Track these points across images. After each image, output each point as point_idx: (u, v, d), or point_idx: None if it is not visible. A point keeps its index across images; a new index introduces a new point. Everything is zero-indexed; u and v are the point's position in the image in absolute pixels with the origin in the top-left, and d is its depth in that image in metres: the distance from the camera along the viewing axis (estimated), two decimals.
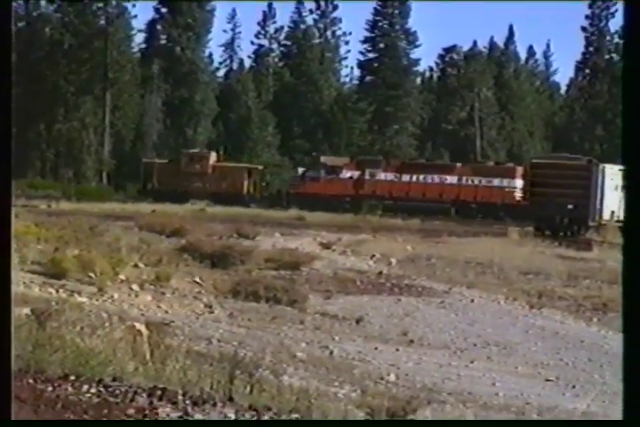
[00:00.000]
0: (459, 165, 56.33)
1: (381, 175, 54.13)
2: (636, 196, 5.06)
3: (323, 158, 57.01)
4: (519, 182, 53.30)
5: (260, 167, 58.83)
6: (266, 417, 6.49)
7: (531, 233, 40.54)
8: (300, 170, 57.32)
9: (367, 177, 54.02)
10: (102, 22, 72.06)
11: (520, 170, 55.03)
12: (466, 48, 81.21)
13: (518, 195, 52.96)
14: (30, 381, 6.50)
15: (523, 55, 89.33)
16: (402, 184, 53.48)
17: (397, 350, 16.91)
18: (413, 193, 53.06)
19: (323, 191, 52.97)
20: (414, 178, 53.62)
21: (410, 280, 25.25)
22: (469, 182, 53.40)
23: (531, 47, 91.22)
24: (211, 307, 18.83)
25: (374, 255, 29.78)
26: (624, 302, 5.08)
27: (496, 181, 53.18)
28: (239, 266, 24.18)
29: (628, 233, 5.16)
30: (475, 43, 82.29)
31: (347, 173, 54.41)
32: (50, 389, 6.33)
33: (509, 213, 50.67)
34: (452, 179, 53.56)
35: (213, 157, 57.59)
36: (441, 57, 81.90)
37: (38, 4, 75.87)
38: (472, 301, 22.85)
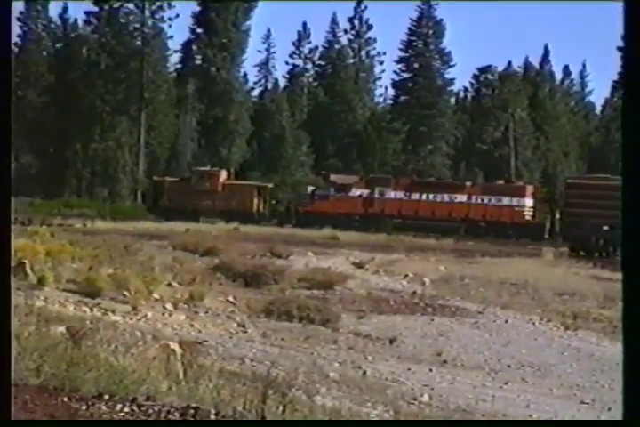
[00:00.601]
0: (468, 183, 56.35)
1: (391, 194, 54.20)
2: (634, 206, 5.04)
3: (332, 177, 57.15)
4: (529, 201, 53.32)
5: (270, 185, 58.86)
6: None
7: (565, 254, 40.30)
8: (310, 188, 57.48)
9: (376, 195, 54.10)
10: (138, 43, 72.69)
11: (530, 189, 55.02)
12: (500, 68, 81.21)
13: (528, 214, 52.97)
14: (65, 399, 6.53)
15: (558, 75, 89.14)
16: (411, 203, 53.53)
17: (431, 370, 16.83)
18: (422, 211, 53.07)
19: (332, 209, 53.00)
20: (423, 196, 53.68)
21: (443, 300, 25.15)
22: (479, 201, 53.37)
23: (566, 67, 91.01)
24: (244, 326, 18.84)
25: (407, 275, 29.71)
26: (624, 303, 5.06)
27: (505, 200, 53.14)
28: (272, 285, 24.21)
29: (626, 244, 5.15)
30: (509, 63, 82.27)
31: (356, 192, 54.51)
32: (84, 407, 6.36)
33: (518, 231, 50.62)
34: (461, 197, 53.58)
35: (224, 175, 57.68)
36: (475, 77, 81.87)
37: (76, 26, 76.73)
38: (506, 321, 22.72)
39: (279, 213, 56.94)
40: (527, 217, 53.00)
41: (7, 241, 5.18)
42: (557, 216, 55.28)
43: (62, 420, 5.65)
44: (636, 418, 4.94)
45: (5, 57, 5.22)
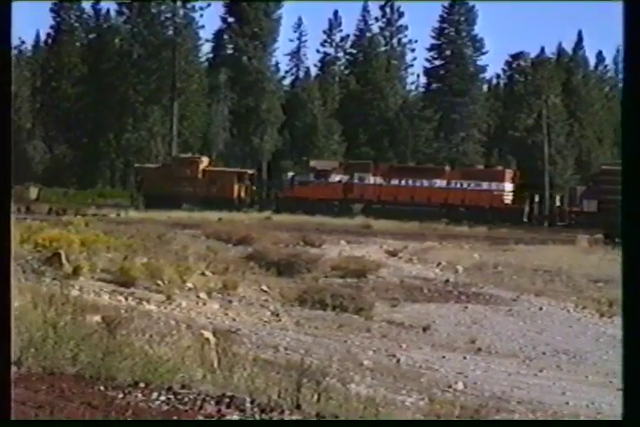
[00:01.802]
0: (447, 168, 56.22)
1: (370, 179, 54.21)
2: (634, 196, 5.00)
3: (312, 162, 57.06)
4: (508, 186, 53.30)
5: (251, 172, 58.69)
6: None
7: (600, 241, 40.05)
8: (290, 174, 57.48)
9: (356, 181, 54.13)
10: (170, 33, 72.82)
11: (509, 173, 54.91)
12: (533, 54, 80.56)
13: (507, 198, 52.98)
14: (101, 388, 6.58)
15: (592, 61, 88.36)
16: (390, 188, 53.52)
17: (465, 358, 16.80)
18: (402, 197, 53.06)
19: (311, 195, 53.08)
20: (403, 182, 53.68)
21: (477, 288, 25.08)
22: (458, 186, 53.36)
23: (600, 53, 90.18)
24: (277, 315, 18.89)
25: (440, 263, 29.64)
26: (624, 301, 5.00)
27: (485, 185, 53.13)
28: (305, 274, 24.24)
29: (626, 234, 5.09)
30: (542, 49, 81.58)
31: (335, 177, 54.53)
32: (120, 396, 6.40)
33: (497, 216, 50.64)
34: (440, 183, 53.60)
35: (205, 161, 57.58)
36: (508, 64, 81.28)
37: (108, 16, 77.01)
38: (540, 309, 22.63)
39: (260, 200, 56.83)
40: (506, 201, 53.11)
41: (7, 237, 5.19)
42: (537, 200, 55.39)
43: (62, 420, 5.69)
44: (635, 418, 4.90)
45: (5, 57, 5.24)
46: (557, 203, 56.43)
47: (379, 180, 54.12)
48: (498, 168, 57.89)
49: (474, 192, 52.94)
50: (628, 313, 4.98)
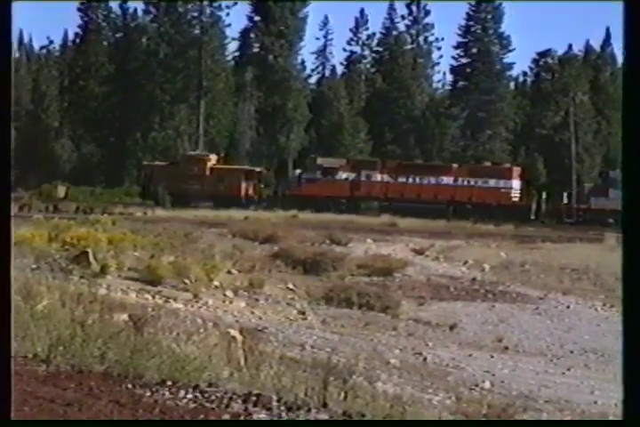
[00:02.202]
0: (455, 165, 56.00)
1: (377, 177, 54.12)
2: (634, 193, 4.96)
3: (319, 160, 56.99)
4: (515, 183, 53.02)
5: (259, 169, 58.65)
6: None
7: None
8: (297, 171, 57.47)
9: (363, 178, 54.06)
10: (197, 32, 73.06)
11: (517, 171, 54.62)
12: (561, 52, 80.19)
13: (514, 195, 52.71)
14: (129, 386, 6.61)
15: (620, 58, 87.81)
16: (397, 185, 53.43)
17: (492, 356, 16.76)
18: (408, 194, 52.91)
19: (319, 193, 53.04)
20: (410, 179, 53.56)
21: (504, 286, 25.02)
22: (465, 183, 53.19)
23: None
24: (304, 313, 18.92)
25: (467, 261, 29.57)
26: (624, 300, 4.95)
27: (492, 182, 52.90)
28: (332, 272, 24.25)
29: (626, 231, 5.05)
30: (570, 46, 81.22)
31: (342, 175, 54.47)
32: (148, 394, 6.43)
33: (504, 213, 50.38)
34: (447, 180, 53.44)
35: (213, 159, 57.58)
36: (535, 61, 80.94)
37: (135, 15, 77.34)
38: (568, 307, 22.55)
39: (268, 197, 56.77)
40: (514, 199, 52.89)
41: (7, 236, 5.22)
42: (544, 197, 55.03)
43: (62, 420, 5.72)
44: (635, 418, 4.86)
45: (5, 57, 5.25)
46: (565, 200, 56.07)
47: (386, 177, 54.10)
48: (505, 165, 57.69)
49: (481, 189, 52.84)
50: (629, 313, 4.94)
